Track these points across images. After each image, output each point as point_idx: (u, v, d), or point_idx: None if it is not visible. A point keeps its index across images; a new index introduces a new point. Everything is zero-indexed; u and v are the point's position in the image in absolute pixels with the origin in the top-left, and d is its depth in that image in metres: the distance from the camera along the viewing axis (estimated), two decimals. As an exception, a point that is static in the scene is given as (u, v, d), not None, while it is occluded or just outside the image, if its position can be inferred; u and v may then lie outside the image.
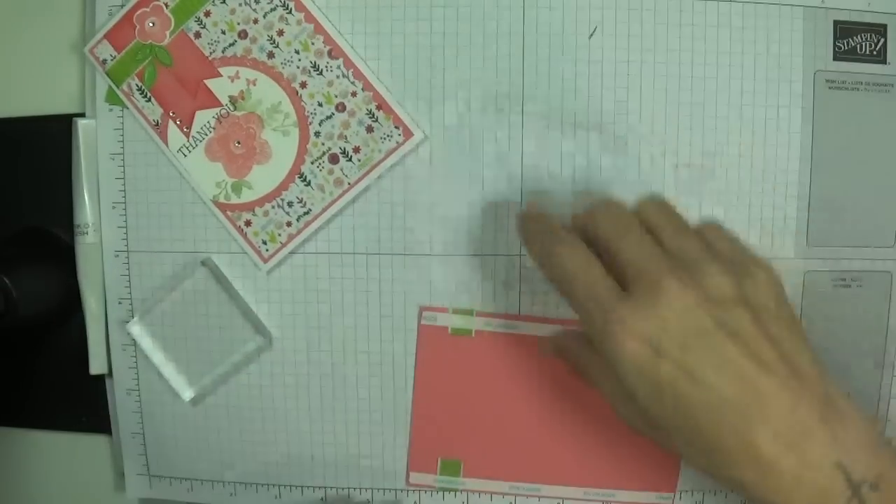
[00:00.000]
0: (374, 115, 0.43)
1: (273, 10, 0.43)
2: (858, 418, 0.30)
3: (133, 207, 0.45)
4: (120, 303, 0.46)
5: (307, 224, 0.44)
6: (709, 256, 0.31)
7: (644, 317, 0.29)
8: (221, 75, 0.43)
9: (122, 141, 0.45)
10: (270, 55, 0.43)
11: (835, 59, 0.42)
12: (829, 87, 0.42)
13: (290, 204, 0.44)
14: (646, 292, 0.29)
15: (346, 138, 0.43)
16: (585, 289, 0.31)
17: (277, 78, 0.43)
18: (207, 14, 0.43)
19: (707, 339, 0.29)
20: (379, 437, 0.46)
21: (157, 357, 0.46)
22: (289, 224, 0.44)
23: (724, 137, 0.43)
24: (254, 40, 0.43)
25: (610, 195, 0.37)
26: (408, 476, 0.46)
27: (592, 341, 0.31)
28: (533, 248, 0.36)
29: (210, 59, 0.43)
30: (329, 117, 0.43)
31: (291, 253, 0.45)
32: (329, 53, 0.43)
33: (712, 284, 0.29)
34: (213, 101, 0.44)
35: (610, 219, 0.33)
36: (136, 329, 0.46)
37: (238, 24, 0.43)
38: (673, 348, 0.28)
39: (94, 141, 0.45)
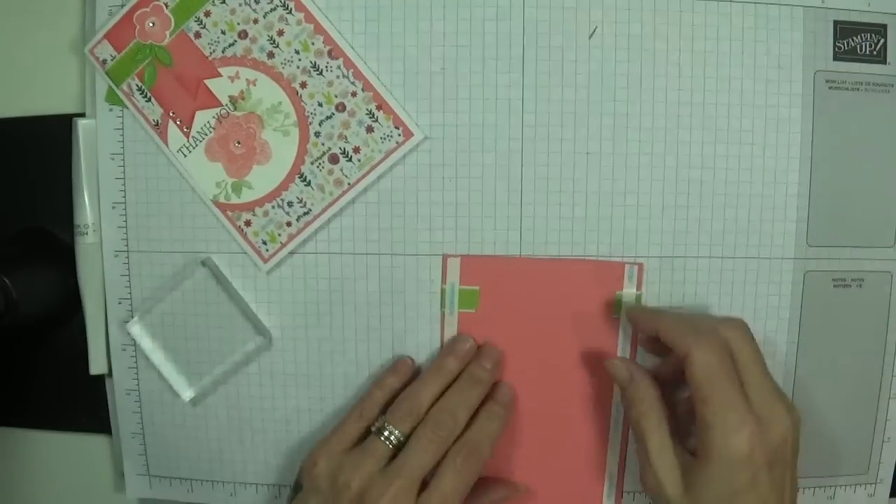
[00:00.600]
0: (374, 115, 0.43)
1: (273, 10, 0.43)
2: None
3: (133, 207, 0.45)
4: (120, 303, 0.46)
5: (307, 224, 0.44)
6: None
7: (762, 432, 0.36)
8: (221, 75, 0.43)
9: (122, 141, 0.45)
10: (270, 55, 0.43)
11: (835, 59, 0.42)
12: (829, 87, 0.42)
13: (290, 204, 0.44)
14: (768, 417, 0.36)
15: (346, 138, 0.43)
16: (729, 386, 0.36)
17: (277, 78, 0.43)
18: (207, 14, 0.43)
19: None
20: (379, 437, 0.46)
21: (157, 357, 0.46)
22: (289, 224, 0.44)
23: (725, 137, 0.43)
24: (254, 40, 0.43)
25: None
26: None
27: (703, 425, 0.36)
28: (672, 332, 0.39)
29: (210, 59, 0.43)
30: (329, 117, 0.43)
31: (291, 253, 0.45)
32: (329, 53, 0.43)
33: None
34: (213, 101, 0.44)
35: (754, 347, 0.38)
36: (136, 329, 0.46)
37: (238, 24, 0.43)
38: (765, 464, 0.36)
39: (94, 141, 0.45)
